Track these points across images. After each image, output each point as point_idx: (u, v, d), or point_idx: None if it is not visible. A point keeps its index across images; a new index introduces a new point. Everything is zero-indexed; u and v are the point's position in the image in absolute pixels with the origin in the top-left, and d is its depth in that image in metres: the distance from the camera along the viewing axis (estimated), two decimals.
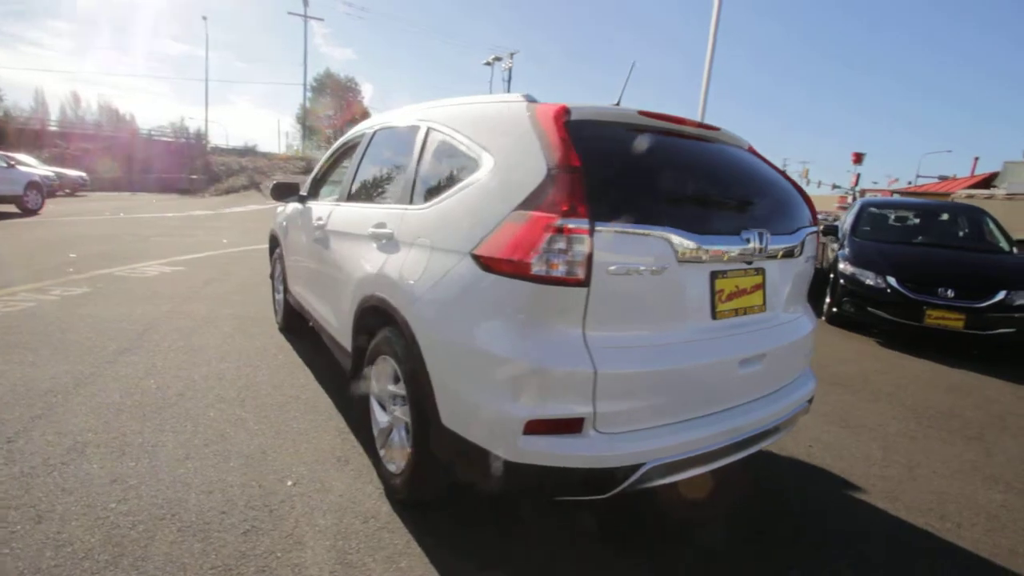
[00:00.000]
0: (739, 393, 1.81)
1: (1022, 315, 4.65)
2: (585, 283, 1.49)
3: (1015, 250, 5.56)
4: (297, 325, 4.30)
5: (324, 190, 3.95)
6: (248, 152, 35.73)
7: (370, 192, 2.69)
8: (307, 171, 31.66)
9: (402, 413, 2.05)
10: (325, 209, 3.10)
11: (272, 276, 4.70)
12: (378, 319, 2.22)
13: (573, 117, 1.68)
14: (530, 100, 1.85)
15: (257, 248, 9.18)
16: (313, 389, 3.26)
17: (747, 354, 1.78)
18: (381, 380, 2.22)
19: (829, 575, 1.92)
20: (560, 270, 1.48)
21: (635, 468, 1.54)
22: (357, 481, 2.31)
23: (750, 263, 1.82)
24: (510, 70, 38.98)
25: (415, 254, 1.93)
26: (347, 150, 3.53)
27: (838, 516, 2.31)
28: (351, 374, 2.53)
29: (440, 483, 1.98)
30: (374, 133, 2.86)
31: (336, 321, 2.72)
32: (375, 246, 2.26)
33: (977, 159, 31.04)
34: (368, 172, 2.81)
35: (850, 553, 2.05)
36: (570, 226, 1.47)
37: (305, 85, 40.64)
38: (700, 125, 2.00)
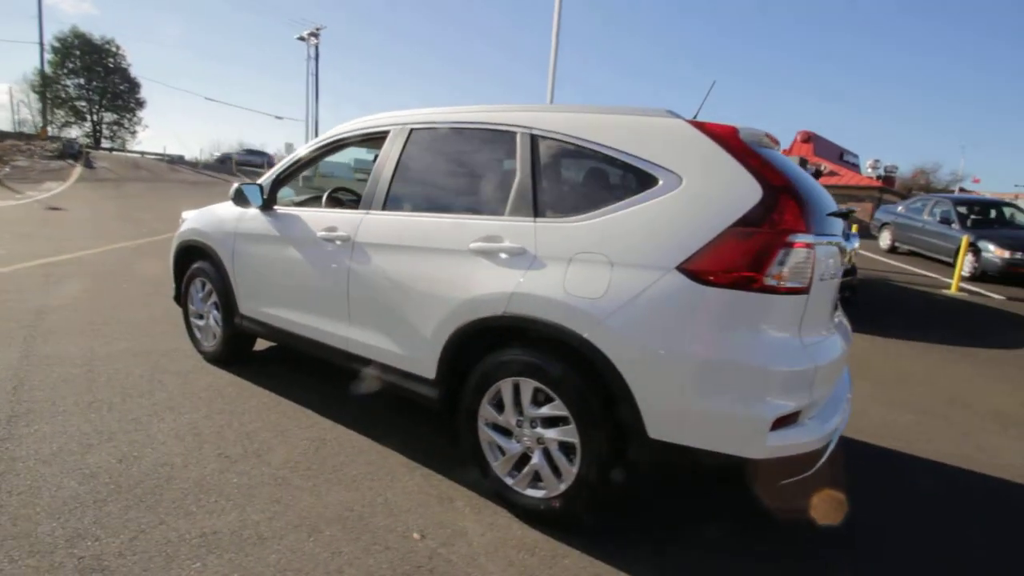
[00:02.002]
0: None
1: None
2: (807, 290, 1.68)
3: None
4: (242, 353, 3.61)
5: (289, 193, 3.37)
6: None
7: (438, 201, 2.42)
8: (64, 155, 25.01)
9: (558, 434, 1.97)
10: (339, 218, 2.67)
11: (182, 299, 3.79)
12: (501, 340, 2.08)
13: (742, 137, 1.83)
14: (675, 115, 1.94)
15: (66, 260, 7.13)
16: (329, 427, 2.82)
17: (848, 341, 2.17)
18: (508, 405, 2.09)
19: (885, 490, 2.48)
20: (790, 281, 1.64)
21: (827, 446, 1.80)
22: (482, 516, 2.14)
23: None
24: (316, 47, 36.05)
25: (581, 270, 1.86)
26: (333, 149, 3.07)
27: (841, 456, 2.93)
28: (440, 404, 2.29)
29: (611, 496, 1.98)
30: (410, 133, 2.56)
31: (399, 348, 2.41)
32: (487, 262, 2.09)
33: None
34: (420, 179, 2.52)
35: (874, 477, 2.65)
36: (799, 241, 1.63)
37: (42, 45, 31.68)
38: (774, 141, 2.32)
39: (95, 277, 6.10)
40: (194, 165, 30.32)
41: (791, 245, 1.63)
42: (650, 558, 1.95)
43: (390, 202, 2.53)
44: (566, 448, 1.97)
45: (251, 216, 3.16)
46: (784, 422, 1.67)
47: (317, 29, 35.24)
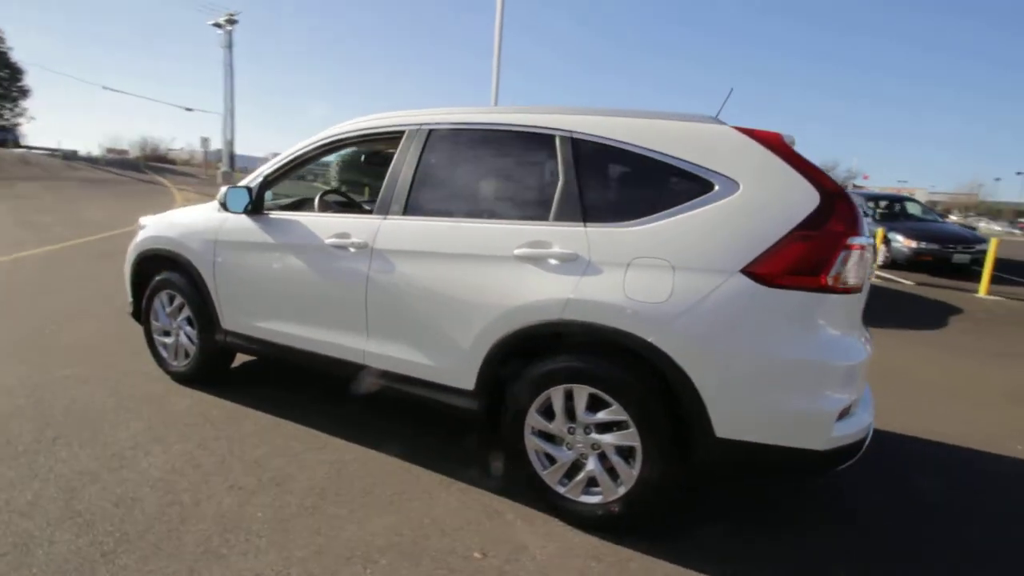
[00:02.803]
0: None
1: None
2: (861, 289, 1.79)
3: None
4: (218, 372, 3.30)
5: (277, 199, 3.13)
6: None
7: (469, 206, 2.31)
8: None
9: (615, 438, 1.97)
10: (351, 224, 2.51)
11: (143, 315, 3.40)
12: (548, 347, 2.05)
13: (787, 143, 1.91)
14: (720, 122, 1.99)
15: None
16: (343, 447, 2.64)
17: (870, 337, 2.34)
18: (559, 412, 2.06)
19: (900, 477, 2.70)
20: (848, 280, 1.74)
21: (867, 435, 1.93)
22: (536, 527, 2.10)
23: None
24: (230, 34, 33.62)
25: (641, 275, 1.86)
26: (331, 149, 2.88)
27: None
28: (480, 415, 2.22)
29: (671, 497, 2.00)
30: (429, 134, 2.44)
31: (430, 359, 2.30)
32: (535, 269, 2.04)
33: None
34: (446, 183, 2.41)
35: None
36: (856, 243, 1.73)
37: None
38: None
39: (5, 292, 5.34)
40: (94, 161, 27.36)
41: (850, 247, 1.74)
42: (715, 555, 2.00)
43: (411, 207, 2.40)
44: (624, 452, 1.97)
45: (237, 221, 2.89)
46: (842, 414, 1.77)
47: (232, 15, 32.81)
